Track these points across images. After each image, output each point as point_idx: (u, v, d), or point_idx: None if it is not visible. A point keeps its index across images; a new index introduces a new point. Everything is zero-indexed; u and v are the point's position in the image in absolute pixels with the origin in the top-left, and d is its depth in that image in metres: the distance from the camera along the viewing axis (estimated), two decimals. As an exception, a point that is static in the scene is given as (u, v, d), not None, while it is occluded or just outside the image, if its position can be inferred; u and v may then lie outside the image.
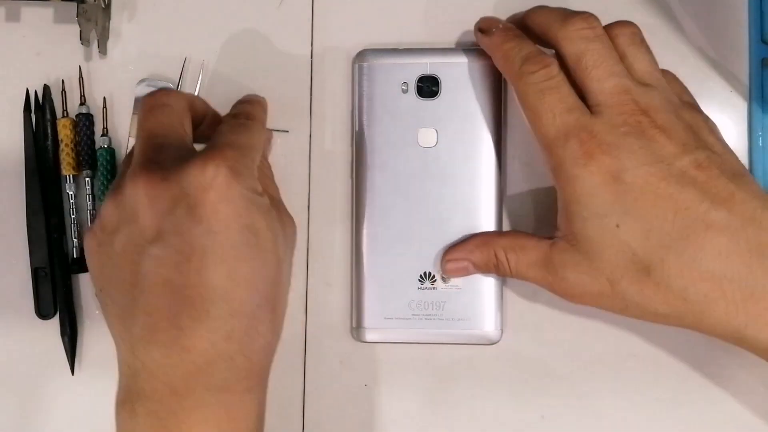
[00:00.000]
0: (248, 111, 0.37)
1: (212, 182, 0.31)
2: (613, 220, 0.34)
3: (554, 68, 0.35)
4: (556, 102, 0.35)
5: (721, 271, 0.33)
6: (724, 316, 0.33)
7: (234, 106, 0.39)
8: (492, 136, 0.41)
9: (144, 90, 0.42)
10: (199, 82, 0.43)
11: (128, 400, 0.33)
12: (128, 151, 0.42)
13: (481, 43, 0.39)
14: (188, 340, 0.31)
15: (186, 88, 0.43)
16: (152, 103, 0.35)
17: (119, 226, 0.33)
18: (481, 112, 0.41)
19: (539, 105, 0.35)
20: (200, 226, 0.31)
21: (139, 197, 0.32)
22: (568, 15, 0.36)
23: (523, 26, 0.38)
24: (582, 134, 0.34)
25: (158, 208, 0.32)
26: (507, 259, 0.38)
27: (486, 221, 0.41)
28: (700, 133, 0.35)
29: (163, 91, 0.36)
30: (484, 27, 0.39)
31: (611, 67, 0.35)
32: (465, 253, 0.39)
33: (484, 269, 0.39)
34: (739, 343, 0.34)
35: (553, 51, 0.37)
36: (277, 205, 0.36)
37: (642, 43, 0.37)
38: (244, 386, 0.33)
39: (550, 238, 0.37)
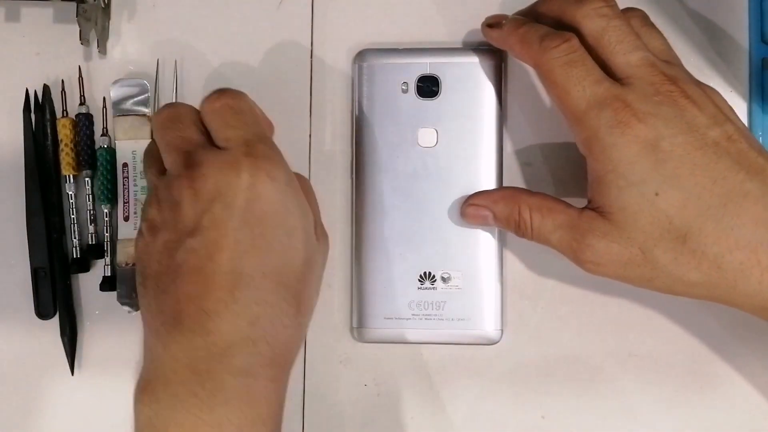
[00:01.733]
0: (238, 99, 0.36)
1: (248, 182, 0.33)
2: (651, 189, 0.34)
3: (576, 42, 0.35)
4: (583, 74, 0.35)
5: (757, 238, 0.33)
6: (757, 285, 0.33)
7: (217, 98, 0.36)
8: (492, 136, 0.41)
9: (119, 91, 0.42)
10: (175, 83, 0.43)
11: (149, 386, 0.33)
12: (125, 158, 0.42)
13: (491, 38, 0.39)
14: (212, 323, 0.32)
15: (165, 88, 0.43)
16: (163, 118, 0.36)
17: (163, 225, 0.34)
18: (481, 112, 0.41)
19: (566, 79, 0.35)
20: (236, 221, 0.33)
21: (182, 198, 0.34)
22: None
23: (533, 17, 0.38)
24: (616, 103, 0.34)
25: (198, 207, 0.33)
26: (531, 218, 0.37)
27: (486, 221, 0.40)
28: (723, 108, 0.35)
29: (168, 105, 0.37)
30: (493, 22, 0.39)
31: (634, 42, 0.35)
32: (489, 201, 0.39)
33: (504, 224, 0.39)
34: (767, 314, 0.34)
35: None
36: (316, 221, 0.37)
37: (653, 25, 0.37)
38: (266, 374, 0.33)
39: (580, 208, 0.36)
